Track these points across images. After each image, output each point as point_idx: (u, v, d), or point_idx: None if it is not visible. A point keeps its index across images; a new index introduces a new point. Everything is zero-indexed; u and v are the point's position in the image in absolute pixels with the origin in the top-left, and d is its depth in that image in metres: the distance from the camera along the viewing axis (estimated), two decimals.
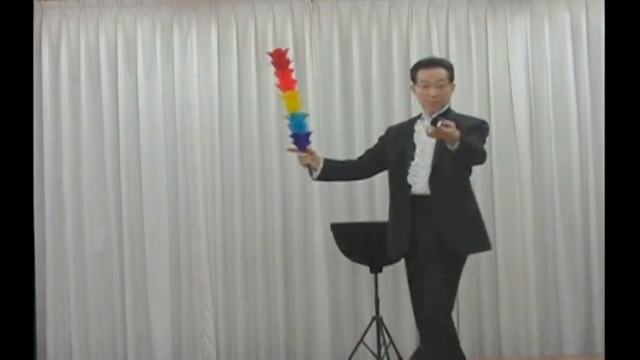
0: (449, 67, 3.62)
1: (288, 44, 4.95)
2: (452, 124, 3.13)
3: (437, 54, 4.94)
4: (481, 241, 3.59)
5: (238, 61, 5.01)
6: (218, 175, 4.97)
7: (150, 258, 4.97)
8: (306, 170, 4.86)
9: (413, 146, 3.55)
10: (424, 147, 3.50)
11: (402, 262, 4.64)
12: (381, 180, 4.90)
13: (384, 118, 4.97)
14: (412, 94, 4.88)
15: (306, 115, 3.68)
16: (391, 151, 3.67)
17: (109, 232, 5.00)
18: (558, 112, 4.99)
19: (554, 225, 4.96)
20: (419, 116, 3.68)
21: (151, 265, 4.97)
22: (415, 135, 3.59)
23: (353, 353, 4.59)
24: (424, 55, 4.92)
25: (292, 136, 3.66)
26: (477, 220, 3.55)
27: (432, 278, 3.50)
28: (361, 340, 4.57)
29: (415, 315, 3.66)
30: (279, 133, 4.96)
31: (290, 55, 3.64)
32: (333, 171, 3.82)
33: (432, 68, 3.57)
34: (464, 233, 3.49)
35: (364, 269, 4.76)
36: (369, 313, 4.80)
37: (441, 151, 3.41)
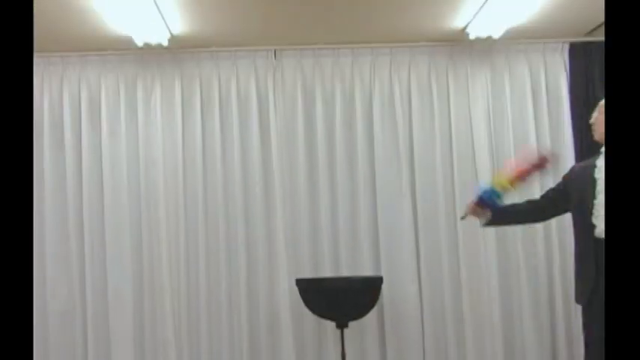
0: None
1: (252, 99, 5.02)
2: None
3: (399, 109, 5.02)
4: None
5: (202, 117, 5.02)
6: (182, 231, 4.94)
7: (113, 315, 4.89)
8: (271, 222, 4.92)
9: (594, 183, 3.37)
10: (603, 184, 3.29)
11: (368, 316, 4.71)
12: (345, 233, 4.95)
13: (347, 172, 5.00)
14: (375, 148, 5.01)
15: (502, 196, 3.66)
16: (574, 190, 3.52)
17: (71, 290, 4.93)
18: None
19: (518, 278, 4.97)
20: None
21: (114, 323, 4.89)
22: (596, 171, 3.41)
23: None
24: (387, 110, 5.03)
25: (481, 196, 3.66)
26: None
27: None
28: None
29: None
30: (243, 189, 4.96)
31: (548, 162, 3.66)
32: (504, 215, 3.76)
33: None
34: None
35: (330, 325, 4.74)
36: None
37: None
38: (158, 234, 4.94)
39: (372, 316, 4.80)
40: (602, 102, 3.41)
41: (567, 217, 4.83)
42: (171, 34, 4.63)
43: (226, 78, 5.06)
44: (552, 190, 3.78)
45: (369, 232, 4.96)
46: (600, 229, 3.26)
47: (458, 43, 5.04)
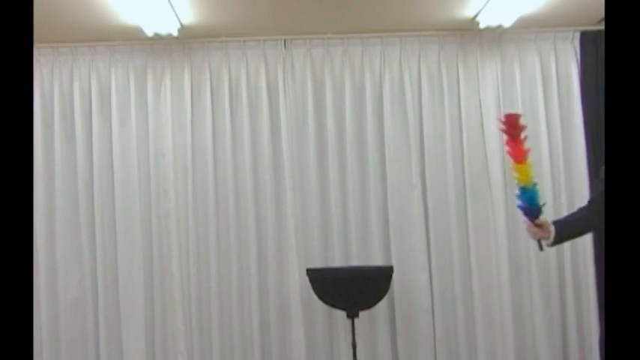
0: None
1: (262, 90, 5.01)
2: None
3: (409, 98, 5.01)
4: None
5: (212, 107, 5.01)
6: (192, 221, 4.95)
7: (124, 305, 4.92)
8: (282, 212, 4.92)
9: None
10: None
11: (379, 306, 4.71)
12: (356, 223, 4.94)
13: (357, 162, 5.00)
14: (386, 137, 5.00)
15: (536, 187, 3.52)
16: None
17: (82, 280, 4.95)
18: (531, 154, 5.00)
19: (529, 271, 4.96)
20: None
21: (125, 312, 4.91)
22: None
23: None
24: (397, 100, 5.02)
25: (522, 208, 3.51)
26: None
27: None
28: None
29: None
30: (253, 178, 4.96)
31: (522, 121, 3.47)
32: (569, 233, 3.59)
33: None
34: None
35: (341, 314, 4.74)
36: (346, 358, 4.78)
37: None
38: (168, 224, 4.96)
39: (382, 306, 4.80)
40: None
41: (581, 203, 4.86)
42: (180, 24, 4.62)
43: (236, 68, 5.05)
44: (596, 190, 3.70)
45: (380, 222, 4.96)
46: None
47: (468, 32, 5.02)
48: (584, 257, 4.95)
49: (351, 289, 4.56)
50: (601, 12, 4.77)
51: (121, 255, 4.94)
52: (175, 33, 4.69)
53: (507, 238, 4.95)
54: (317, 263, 4.88)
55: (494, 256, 4.95)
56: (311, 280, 4.64)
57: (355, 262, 4.92)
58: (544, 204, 3.54)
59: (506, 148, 3.53)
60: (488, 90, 5.06)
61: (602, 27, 4.96)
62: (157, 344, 4.94)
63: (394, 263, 4.86)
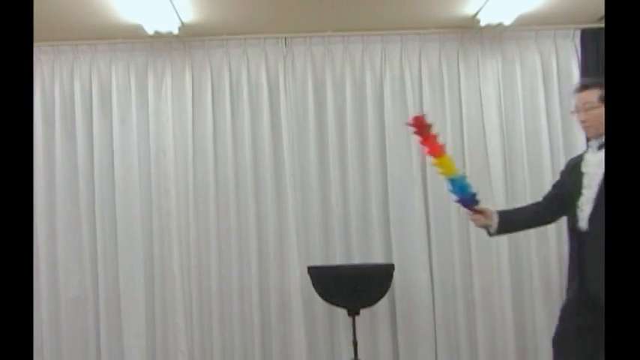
0: (602, 88, 3.32)
1: (263, 88, 5.01)
2: None
3: (410, 96, 5.00)
4: None
5: (213, 105, 5.01)
6: (193, 219, 4.95)
7: (125, 303, 4.92)
8: (283, 210, 4.93)
9: (581, 176, 3.38)
10: (590, 177, 3.32)
11: (380, 304, 4.71)
12: (357, 221, 4.95)
13: (358, 160, 5.00)
14: (387, 135, 5.01)
15: (465, 177, 3.61)
16: (568, 184, 3.51)
17: (83, 278, 4.95)
18: (531, 151, 5.04)
19: (530, 267, 4.97)
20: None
21: (125, 310, 4.92)
22: (583, 164, 3.42)
23: None
24: (397, 98, 5.02)
25: (458, 200, 3.59)
26: None
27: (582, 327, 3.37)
28: None
29: None
30: (254, 176, 4.97)
31: (428, 119, 3.56)
32: (512, 223, 3.69)
33: (581, 92, 3.43)
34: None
35: (341, 312, 4.75)
36: (347, 356, 4.78)
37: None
38: (169, 222, 4.96)
39: (383, 304, 4.81)
40: (586, 95, 3.39)
41: None
42: (181, 22, 4.63)
43: (237, 66, 5.05)
44: (552, 187, 3.76)
45: (381, 219, 4.96)
46: (584, 223, 3.31)
47: (468, 29, 5.02)
48: None
49: (351, 286, 4.56)
50: (601, 10, 4.77)
51: (122, 253, 4.94)
52: (176, 31, 4.70)
53: (508, 235, 4.93)
54: (318, 261, 4.89)
55: (495, 253, 4.95)
56: (312, 278, 4.64)
57: (356, 259, 4.92)
58: (477, 192, 3.60)
59: (423, 149, 3.61)
60: (489, 88, 5.06)
61: (602, 25, 4.96)
62: (158, 342, 4.94)
63: (395, 261, 4.87)
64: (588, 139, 3.55)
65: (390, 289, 4.75)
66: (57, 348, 4.92)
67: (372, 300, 4.62)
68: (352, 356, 4.61)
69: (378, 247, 4.94)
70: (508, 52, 5.11)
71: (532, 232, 4.93)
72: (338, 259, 4.92)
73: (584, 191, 3.33)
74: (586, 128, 3.43)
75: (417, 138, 3.59)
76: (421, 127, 3.54)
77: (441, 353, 4.94)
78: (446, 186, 3.63)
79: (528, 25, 4.99)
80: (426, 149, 3.58)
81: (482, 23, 4.78)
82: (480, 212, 3.60)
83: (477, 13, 4.70)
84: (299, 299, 4.88)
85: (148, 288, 4.95)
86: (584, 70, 5.02)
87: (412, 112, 4.98)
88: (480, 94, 5.07)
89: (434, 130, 3.55)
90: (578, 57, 5.07)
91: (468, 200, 3.57)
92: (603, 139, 3.30)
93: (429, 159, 4.78)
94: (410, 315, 4.94)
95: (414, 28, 5.00)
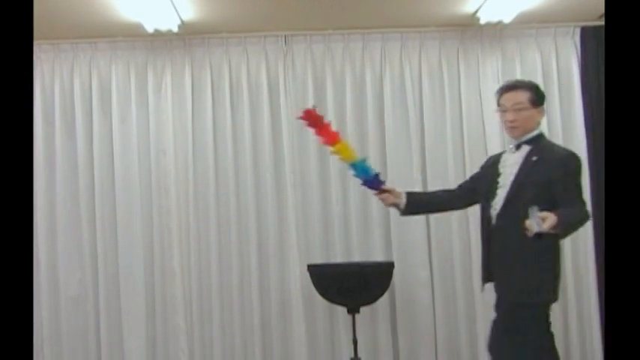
0: (531, 90, 3.44)
1: (263, 86, 5.01)
2: (549, 216, 2.94)
3: (410, 94, 5.01)
4: (530, 291, 3.25)
5: (212, 103, 5.01)
6: (193, 217, 4.95)
7: (125, 302, 4.93)
8: (283, 208, 4.93)
9: (497, 176, 3.45)
10: (505, 177, 3.40)
11: (380, 302, 4.71)
12: (357, 219, 4.95)
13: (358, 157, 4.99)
14: (387, 133, 5.01)
15: (365, 160, 3.70)
16: (484, 180, 3.57)
17: (83, 276, 4.95)
18: None
19: None
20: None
21: (126, 309, 4.92)
22: (500, 163, 3.49)
23: None
24: (397, 96, 5.02)
25: (363, 183, 3.67)
26: (523, 266, 3.26)
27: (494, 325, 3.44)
28: None
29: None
30: (254, 175, 4.96)
31: (318, 110, 3.67)
32: (421, 204, 3.79)
33: (510, 92, 3.45)
34: (504, 276, 3.36)
35: (341, 310, 4.75)
36: (347, 354, 4.78)
37: (517, 185, 3.31)
38: (169, 221, 4.96)
39: (383, 302, 4.81)
40: (515, 95, 3.42)
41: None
42: (181, 20, 4.62)
43: (237, 64, 5.05)
44: (470, 178, 3.82)
45: (380, 218, 4.95)
46: (493, 220, 3.38)
47: (468, 27, 5.02)
48: (585, 245, 4.96)
49: (352, 285, 4.55)
50: (601, 8, 4.76)
51: (122, 252, 4.95)
52: (176, 29, 4.70)
53: None
54: (318, 259, 4.89)
55: None
56: (312, 276, 4.64)
57: (356, 257, 4.92)
58: (379, 172, 3.70)
59: (320, 139, 3.69)
60: (489, 85, 5.05)
61: (602, 23, 4.96)
62: (158, 340, 4.95)
63: (395, 259, 4.87)
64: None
65: (390, 287, 4.75)
66: (57, 346, 4.93)
67: (372, 298, 4.62)
68: (352, 354, 4.60)
69: (378, 245, 4.95)
70: (508, 50, 5.11)
71: None
72: (338, 257, 4.92)
73: (499, 191, 3.40)
74: (513, 129, 3.43)
75: (311, 130, 3.68)
76: (313, 119, 3.63)
77: (441, 351, 4.95)
78: (351, 171, 3.72)
79: (528, 23, 4.99)
80: (322, 139, 3.66)
81: (482, 21, 4.78)
82: (388, 192, 3.68)
83: (476, 11, 4.70)
84: (299, 297, 4.89)
85: (148, 286, 4.96)
86: (584, 68, 5.02)
87: (412, 110, 5.02)
88: (480, 92, 5.07)
89: (326, 121, 3.66)
90: (578, 55, 5.07)
91: (373, 181, 3.67)
92: (523, 140, 3.40)
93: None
94: (410, 313, 4.94)
95: (414, 26, 5.01)
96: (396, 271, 4.70)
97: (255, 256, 4.94)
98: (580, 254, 5.01)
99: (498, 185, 3.41)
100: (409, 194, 3.72)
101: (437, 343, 4.95)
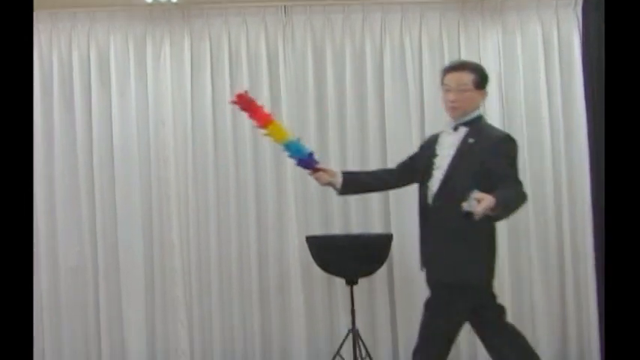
0: (477, 72, 3.47)
1: (262, 57, 4.99)
2: (485, 197, 3.00)
3: (410, 66, 4.98)
4: (456, 272, 3.32)
5: (212, 75, 4.99)
6: (192, 189, 4.94)
7: (124, 273, 4.93)
8: (281, 180, 4.93)
9: (435, 156, 3.47)
10: (442, 159, 3.43)
11: (378, 273, 4.72)
12: None
13: (358, 130, 4.98)
14: (386, 106, 4.99)
15: (298, 139, 3.66)
16: (421, 160, 3.59)
17: (82, 247, 4.95)
18: (531, 123, 5.02)
19: (528, 237, 4.97)
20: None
21: (125, 280, 4.93)
22: (437, 145, 3.51)
23: None
24: (397, 68, 4.99)
25: (298, 163, 3.63)
26: (458, 249, 3.32)
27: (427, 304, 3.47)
28: (337, 352, 4.56)
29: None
30: (253, 146, 4.95)
31: (249, 93, 3.65)
32: (358, 183, 3.76)
33: (455, 72, 3.47)
34: (438, 257, 3.41)
35: (340, 281, 4.76)
36: (345, 325, 4.79)
37: (453, 168, 3.35)
38: (168, 192, 4.95)
39: (381, 273, 4.81)
40: (460, 76, 3.43)
41: (580, 174, 4.88)
42: None
43: (236, 35, 5.02)
44: (409, 158, 3.79)
45: None
46: (430, 200, 3.42)
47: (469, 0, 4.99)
48: (583, 222, 4.96)
49: (350, 256, 4.55)
50: None
51: (121, 223, 4.94)
52: None
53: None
54: (316, 231, 4.88)
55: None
56: (310, 248, 4.65)
57: (355, 229, 4.92)
58: (313, 152, 3.66)
59: (253, 123, 3.67)
60: (490, 59, 5.02)
61: None
62: (157, 312, 4.96)
63: (393, 231, 4.87)
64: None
65: (389, 259, 4.76)
66: (56, 317, 4.93)
67: (370, 269, 4.62)
68: (350, 325, 4.62)
69: (376, 217, 4.95)
70: (509, 22, 5.07)
71: (530, 208, 4.92)
72: (337, 229, 4.92)
73: (435, 172, 3.42)
74: (453, 109, 3.45)
75: (245, 114, 3.66)
76: (245, 102, 3.61)
77: None
78: (285, 151, 3.67)
79: None
80: (255, 122, 3.63)
81: None
82: (322, 170, 3.64)
83: None
84: (297, 269, 4.89)
85: (147, 258, 4.96)
86: (586, 40, 4.98)
87: (412, 83, 4.99)
88: (480, 64, 5.02)
89: (259, 103, 3.64)
90: (579, 27, 5.03)
91: (307, 161, 3.62)
92: (461, 121, 3.42)
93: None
94: (407, 284, 4.93)
95: None
96: (394, 244, 4.71)
97: (254, 228, 4.94)
98: (578, 224, 5.01)
99: (434, 166, 3.43)
100: (346, 174, 3.70)
101: None
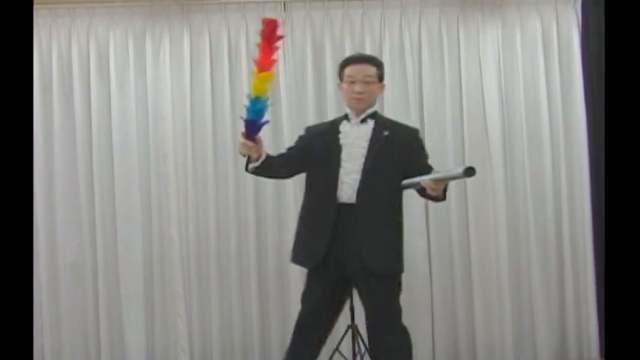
0: (379, 65, 3.52)
1: None
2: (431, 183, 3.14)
3: (409, 62, 4.98)
4: (389, 263, 3.48)
5: (211, 70, 4.99)
6: (191, 183, 4.95)
7: (123, 267, 4.94)
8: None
9: (339, 149, 3.44)
10: (350, 150, 3.41)
11: None
12: None
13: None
14: (385, 101, 4.99)
15: (268, 103, 3.29)
16: (313, 154, 3.52)
17: (82, 242, 4.96)
18: (530, 119, 5.02)
19: (527, 233, 4.97)
20: (344, 116, 3.55)
21: (124, 274, 4.93)
22: (341, 137, 3.48)
23: None
24: (397, 64, 4.99)
25: (245, 120, 3.28)
26: (393, 240, 3.47)
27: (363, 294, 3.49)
28: (336, 348, 4.54)
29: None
30: None
31: (281, 32, 3.26)
32: (269, 167, 3.53)
33: (360, 64, 3.48)
34: (379, 250, 3.42)
35: None
36: (344, 321, 4.76)
37: (373, 158, 3.34)
38: (167, 187, 4.96)
39: None
40: (366, 68, 3.45)
41: (579, 171, 4.88)
42: None
43: (235, 30, 5.02)
44: (292, 148, 3.73)
45: None
46: (347, 195, 3.38)
47: None
48: (583, 219, 4.96)
49: None
50: None
51: (120, 218, 4.95)
52: None
53: (506, 202, 4.95)
54: None
55: (492, 220, 4.95)
56: None
57: None
58: (267, 122, 3.39)
59: (258, 56, 3.25)
60: (489, 54, 5.03)
61: None
62: (156, 306, 4.97)
63: None
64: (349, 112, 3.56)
65: None
66: (55, 311, 4.94)
67: None
68: (349, 321, 4.61)
69: None
70: (508, 17, 5.06)
71: (530, 198, 4.92)
72: None
73: (345, 164, 3.40)
74: (359, 100, 3.45)
75: (259, 41, 3.29)
76: (271, 31, 3.23)
77: (437, 320, 4.96)
78: (246, 104, 3.31)
79: None
80: (260, 57, 3.23)
81: None
82: (256, 143, 3.34)
83: None
84: None
85: (146, 252, 4.96)
86: (585, 36, 4.98)
87: (411, 79, 4.99)
88: (480, 60, 5.03)
89: (279, 45, 3.31)
90: (579, 23, 5.03)
91: (255, 126, 3.29)
92: (367, 113, 3.45)
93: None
94: (406, 280, 4.90)
95: None
96: None
97: (253, 221, 4.95)
98: (577, 216, 5.01)
99: (342, 158, 3.41)
100: (269, 157, 3.49)
101: (433, 313, 4.96)
